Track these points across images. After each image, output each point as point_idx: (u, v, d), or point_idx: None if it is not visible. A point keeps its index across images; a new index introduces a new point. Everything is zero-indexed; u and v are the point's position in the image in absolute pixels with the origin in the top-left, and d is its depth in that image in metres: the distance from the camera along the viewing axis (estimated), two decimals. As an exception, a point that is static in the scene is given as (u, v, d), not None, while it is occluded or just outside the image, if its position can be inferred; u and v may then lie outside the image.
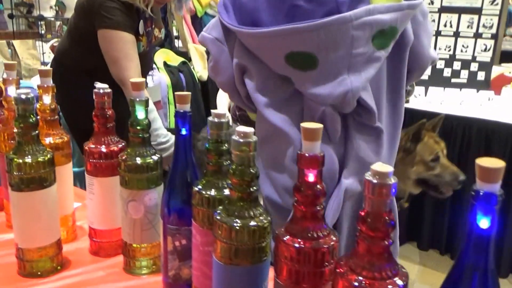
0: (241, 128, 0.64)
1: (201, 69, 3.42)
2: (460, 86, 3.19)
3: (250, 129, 0.65)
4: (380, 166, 0.52)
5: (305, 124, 0.60)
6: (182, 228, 0.82)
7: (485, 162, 0.48)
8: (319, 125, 0.60)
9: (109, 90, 0.96)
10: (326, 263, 0.61)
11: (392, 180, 0.52)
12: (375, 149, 1.02)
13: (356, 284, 0.53)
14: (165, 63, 3.32)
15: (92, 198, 0.98)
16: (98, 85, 0.96)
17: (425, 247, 2.91)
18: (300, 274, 0.61)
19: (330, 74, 0.94)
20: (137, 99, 0.89)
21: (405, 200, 2.08)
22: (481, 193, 0.48)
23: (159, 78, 3.14)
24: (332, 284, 0.55)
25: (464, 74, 3.21)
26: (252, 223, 0.65)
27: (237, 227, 0.64)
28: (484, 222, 0.49)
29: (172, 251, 0.84)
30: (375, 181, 0.52)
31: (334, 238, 0.63)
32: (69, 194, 1.06)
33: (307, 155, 0.60)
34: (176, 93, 0.84)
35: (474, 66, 3.20)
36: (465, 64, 3.21)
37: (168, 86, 3.18)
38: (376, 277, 0.53)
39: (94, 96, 0.95)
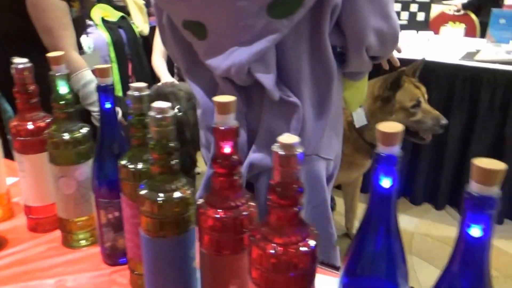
0: (157, 104, 0.65)
1: (141, 23, 3.32)
2: (400, 28, 3.23)
3: (166, 104, 0.65)
4: (287, 138, 0.54)
5: (217, 98, 0.61)
6: (113, 201, 0.83)
7: (385, 127, 0.51)
8: (231, 98, 0.61)
9: (29, 64, 0.93)
10: (245, 230, 0.64)
11: (299, 150, 0.54)
12: (289, 125, 0.99)
13: (270, 251, 0.56)
14: (103, 19, 3.19)
15: (24, 176, 0.97)
16: (16, 59, 0.93)
17: (418, 201, 2.96)
18: (221, 242, 0.64)
19: (220, 46, 0.93)
20: (57, 74, 0.86)
21: None
22: (382, 156, 0.51)
23: (98, 36, 3.03)
24: (248, 251, 0.58)
25: (405, 15, 3.26)
26: (175, 195, 0.66)
27: (160, 202, 0.65)
28: (386, 182, 0.53)
29: (106, 223, 0.86)
30: (282, 152, 0.54)
31: (252, 205, 0.65)
32: (0, 172, 1.04)
33: (221, 128, 0.61)
34: (96, 66, 0.82)
35: (414, 7, 3.24)
36: (405, 5, 3.24)
37: (109, 44, 3.08)
38: (288, 242, 0.56)
39: (13, 72, 0.92)
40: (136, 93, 0.73)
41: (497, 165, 0.44)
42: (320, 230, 1.13)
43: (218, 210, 0.64)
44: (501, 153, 2.57)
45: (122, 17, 3.34)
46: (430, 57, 2.65)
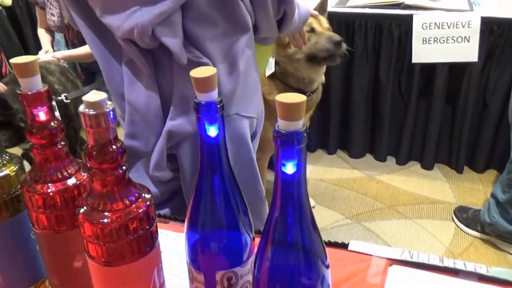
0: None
1: (1, -5, 3.03)
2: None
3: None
4: (92, 96, 0.50)
5: (14, 60, 0.54)
6: None
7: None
8: (29, 58, 0.55)
9: None
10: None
11: (109, 107, 0.50)
12: None
13: (101, 221, 0.52)
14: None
15: None
16: None
17: (312, 148, 3.01)
18: (52, 219, 0.59)
19: (120, 3, 0.86)
20: None
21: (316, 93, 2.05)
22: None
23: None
24: (79, 225, 0.53)
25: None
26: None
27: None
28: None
29: None
30: (91, 112, 0.50)
31: (84, 174, 0.61)
32: None
33: (29, 93, 0.55)
34: None
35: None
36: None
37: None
38: (116, 208, 0.53)
39: None
40: None
41: (297, 98, 0.43)
42: (250, 189, 1.13)
43: (44, 185, 0.58)
44: (378, 96, 2.70)
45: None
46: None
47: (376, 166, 2.83)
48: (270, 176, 2.32)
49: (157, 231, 0.56)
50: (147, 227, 0.54)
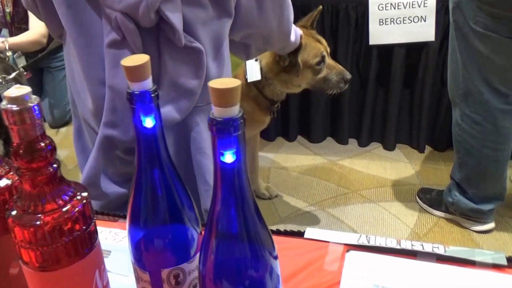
0: None
1: None
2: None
3: None
4: (15, 90, 0.46)
5: None
6: None
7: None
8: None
9: None
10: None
11: (34, 102, 0.46)
12: (194, 72, 0.94)
13: (33, 224, 0.48)
14: None
15: None
16: None
17: (272, 137, 2.98)
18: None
19: None
20: None
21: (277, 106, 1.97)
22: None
23: None
24: (11, 231, 0.50)
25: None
26: None
27: None
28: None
29: None
30: (14, 108, 0.46)
31: (11, 173, 0.57)
32: None
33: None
34: None
35: None
36: None
37: None
38: (49, 209, 0.49)
39: None
40: None
41: (231, 83, 0.41)
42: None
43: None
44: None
45: None
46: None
47: (338, 150, 2.84)
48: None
49: (96, 231, 0.53)
50: (84, 227, 0.51)
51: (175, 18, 0.88)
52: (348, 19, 2.56)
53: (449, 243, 2.04)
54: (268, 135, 2.94)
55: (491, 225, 2.09)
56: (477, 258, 0.74)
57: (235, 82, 0.41)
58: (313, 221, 2.22)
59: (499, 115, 1.87)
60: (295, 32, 1.33)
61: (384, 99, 2.73)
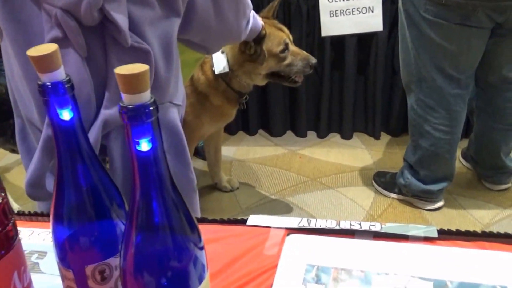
0: None
1: None
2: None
3: None
4: None
5: None
6: None
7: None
8: None
9: None
10: None
11: None
12: None
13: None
14: None
15: None
16: None
17: (234, 131, 2.99)
18: None
19: None
20: None
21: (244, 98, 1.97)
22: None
23: None
24: None
25: None
26: None
27: None
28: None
29: None
30: None
31: None
32: None
33: None
34: None
35: None
36: None
37: None
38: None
39: None
40: None
41: (138, 68, 0.41)
42: (182, 177, 1.09)
43: None
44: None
45: None
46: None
47: (298, 141, 2.88)
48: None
49: (15, 232, 0.52)
50: (0, 228, 0.50)
51: (120, 17, 0.85)
52: (300, 12, 2.59)
53: (401, 222, 2.11)
54: (229, 129, 2.95)
55: (440, 204, 2.19)
56: (411, 233, 0.77)
57: (143, 67, 0.41)
58: (274, 210, 2.25)
59: (451, 99, 1.93)
60: (256, 20, 1.31)
61: (340, 90, 2.78)
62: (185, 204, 0.48)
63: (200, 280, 0.49)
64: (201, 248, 0.50)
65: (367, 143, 2.81)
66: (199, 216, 1.02)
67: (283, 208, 2.27)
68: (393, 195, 2.28)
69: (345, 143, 2.83)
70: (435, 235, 0.77)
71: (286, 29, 1.92)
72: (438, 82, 1.91)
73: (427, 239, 0.76)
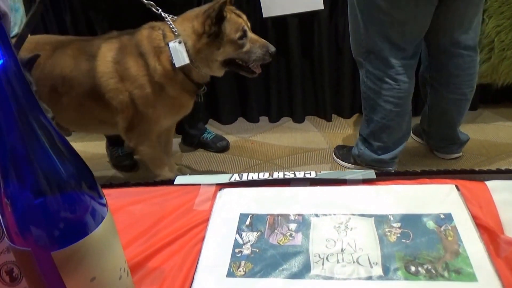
0: None
1: None
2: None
3: None
4: None
5: None
6: None
7: None
8: None
9: None
10: None
11: None
12: None
13: None
14: None
15: None
16: None
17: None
18: None
19: None
20: None
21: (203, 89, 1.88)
22: None
23: None
24: None
25: None
26: None
27: None
28: None
29: None
30: None
31: None
32: None
33: None
34: None
35: None
36: None
37: None
38: None
39: None
40: None
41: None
42: None
43: None
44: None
45: None
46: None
47: (250, 128, 2.84)
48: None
49: None
50: None
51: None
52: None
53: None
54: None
55: (391, 173, 2.19)
56: (348, 177, 0.74)
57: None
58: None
59: (399, 69, 1.93)
60: None
61: (287, 74, 2.75)
62: (57, 132, 0.41)
63: (97, 221, 0.43)
64: (88, 183, 0.43)
65: (319, 125, 2.80)
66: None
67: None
68: (348, 165, 2.30)
69: (297, 127, 2.80)
70: (374, 176, 0.73)
71: (244, 16, 1.86)
72: (385, 53, 1.91)
73: (365, 181, 0.73)
